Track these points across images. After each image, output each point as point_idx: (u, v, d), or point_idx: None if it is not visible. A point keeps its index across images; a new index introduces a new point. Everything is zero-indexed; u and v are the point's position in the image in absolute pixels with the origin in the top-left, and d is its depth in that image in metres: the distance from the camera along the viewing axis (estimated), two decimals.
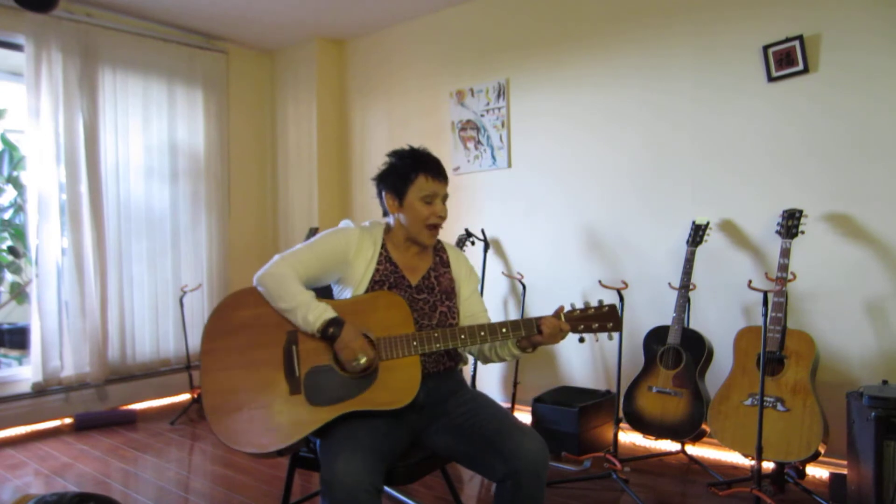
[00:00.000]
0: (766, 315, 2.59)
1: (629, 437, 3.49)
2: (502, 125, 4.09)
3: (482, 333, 1.86)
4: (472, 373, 3.79)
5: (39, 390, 3.93)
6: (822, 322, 2.99)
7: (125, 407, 4.29)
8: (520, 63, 4.02)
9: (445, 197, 2.02)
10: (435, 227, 1.98)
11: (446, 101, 4.37)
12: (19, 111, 4.58)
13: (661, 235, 3.47)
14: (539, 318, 1.87)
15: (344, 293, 1.99)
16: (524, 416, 3.67)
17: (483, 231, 3.97)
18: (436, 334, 1.85)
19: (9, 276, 5.02)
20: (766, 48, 3.09)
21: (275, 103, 5.26)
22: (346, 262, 1.95)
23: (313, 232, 4.48)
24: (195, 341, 4.38)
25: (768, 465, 2.70)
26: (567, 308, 1.92)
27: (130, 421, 4.09)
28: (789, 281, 2.81)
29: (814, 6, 3.00)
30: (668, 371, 3.08)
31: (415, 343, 1.83)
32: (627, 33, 3.58)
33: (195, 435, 3.83)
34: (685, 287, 3.09)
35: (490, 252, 4.07)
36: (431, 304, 1.99)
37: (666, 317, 3.20)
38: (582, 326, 1.90)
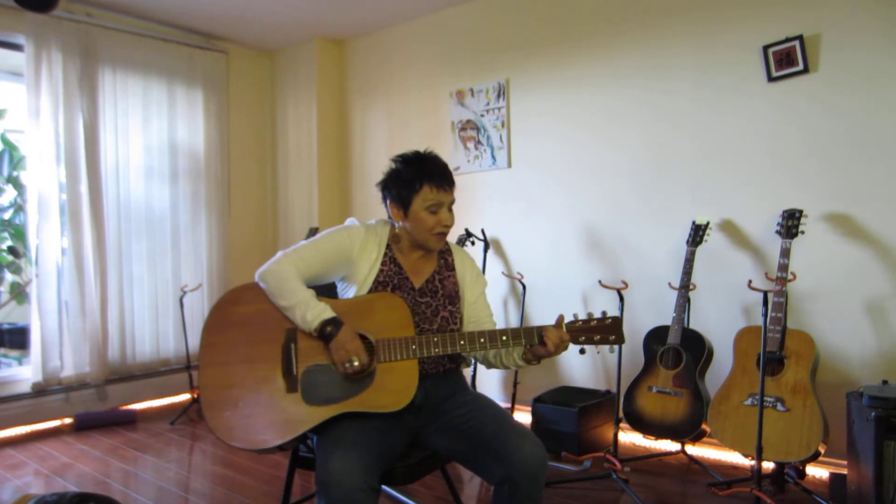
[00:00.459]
0: (766, 315, 2.59)
1: (629, 437, 3.49)
2: (502, 125, 4.09)
3: (482, 340, 1.83)
4: (472, 373, 3.79)
5: (39, 390, 3.93)
6: (822, 322, 2.99)
7: (125, 407, 4.29)
8: (520, 63, 4.02)
9: (452, 203, 1.96)
10: (442, 235, 1.95)
11: (446, 101, 4.37)
12: (19, 111, 4.57)
13: (661, 235, 3.47)
14: (541, 328, 1.82)
15: (347, 292, 1.98)
16: (524, 416, 3.67)
17: (483, 231, 3.97)
18: (435, 339, 1.83)
19: (9, 276, 5.02)
20: (766, 48, 3.09)
21: (275, 103, 5.26)
22: (350, 261, 1.94)
23: (313, 232, 4.48)
24: (195, 341, 4.37)
25: (768, 465, 2.70)
26: (569, 318, 1.87)
27: (130, 421, 4.09)
28: (789, 281, 2.81)
29: (814, 6, 3.00)
30: (668, 371, 3.08)
31: (413, 347, 1.81)
32: (627, 33, 3.58)
33: (195, 435, 3.83)
34: (685, 287, 3.09)
35: (490, 252, 4.07)
36: (434, 308, 1.97)
37: (666, 317, 3.20)
38: (583, 338, 1.85)
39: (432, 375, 1.93)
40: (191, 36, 4.72)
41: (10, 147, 4.99)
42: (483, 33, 4.20)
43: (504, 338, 1.83)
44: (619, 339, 1.85)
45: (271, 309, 1.87)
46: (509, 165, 4.09)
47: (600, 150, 3.70)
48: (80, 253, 4.07)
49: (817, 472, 2.92)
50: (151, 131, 4.48)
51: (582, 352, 1.89)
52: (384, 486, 1.86)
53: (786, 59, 3.05)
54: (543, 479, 1.74)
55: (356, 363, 1.77)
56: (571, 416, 3.17)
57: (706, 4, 3.31)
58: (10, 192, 5.02)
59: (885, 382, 2.51)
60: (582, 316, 1.88)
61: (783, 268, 2.78)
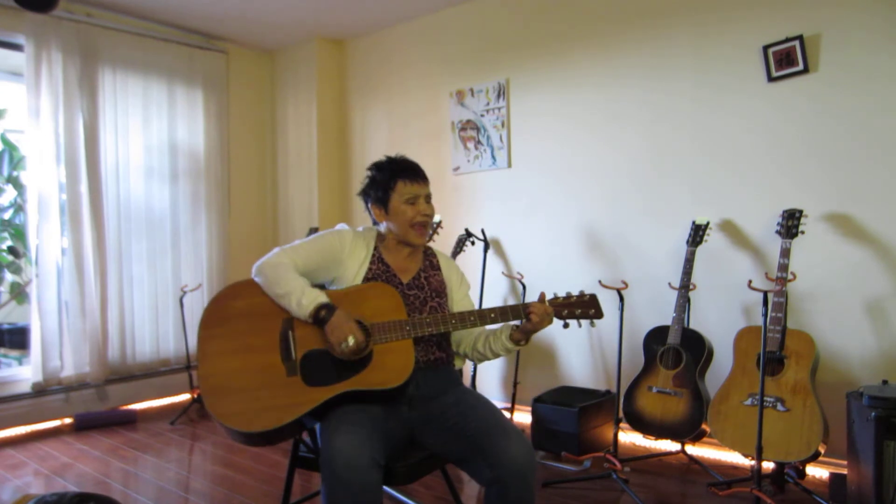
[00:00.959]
0: (766, 315, 2.58)
1: (629, 437, 3.49)
2: (502, 125, 4.09)
3: (472, 318, 1.93)
4: (472, 373, 3.80)
5: (39, 390, 3.93)
6: (822, 322, 2.99)
7: (125, 407, 4.29)
8: (520, 63, 4.02)
9: (429, 196, 2.08)
10: (423, 226, 2.04)
11: (446, 101, 4.37)
12: (19, 111, 4.58)
13: (661, 235, 3.47)
14: (526, 304, 1.94)
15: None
16: (524, 416, 3.67)
17: (483, 231, 3.97)
18: (427, 319, 1.92)
19: (9, 276, 5.03)
20: (766, 48, 3.09)
21: (275, 103, 5.26)
22: (339, 261, 2.02)
23: (313, 232, 4.48)
24: (195, 341, 4.37)
25: (768, 465, 2.70)
26: (550, 296, 1.99)
27: (130, 421, 4.09)
28: (789, 281, 2.81)
29: (814, 6, 3.00)
30: (668, 371, 3.08)
31: (407, 328, 1.89)
32: (627, 33, 3.58)
33: (195, 435, 3.83)
34: (685, 287, 3.09)
35: (490, 252, 4.07)
36: (422, 299, 2.05)
37: (666, 317, 3.20)
38: (566, 312, 1.98)
39: (423, 367, 1.98)
40: (191, 36, 4.72)
41: (10, 147, 4.99)
42: (483, 33, 4.20)
43: (493, 315, 1.94)
44: (598, 314, 1.99)
45: (267, 302, 1.92)
46: (509, 165, 4.09)
47: (600, 150, 3.70)
48: (80, 253, 4.07)
49: (817, 472, 2.92)
50: (151, 131, 4.48)
51: (566, 326, 1.99)
52: (385, 487, 1.86)
53: (786, 59, 3.05)
54: (532, 478, 1.75)
55: (352, 342, 1.82)
56: (571, 416, 3.17)
57: (706, 4, 3.31)
58: (10, 192, 5.03)
59: (885, 382, 2.51)
60: (563, 294, 2.01)
61: (783, 268, 2.78)
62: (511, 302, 4.08)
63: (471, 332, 2.11)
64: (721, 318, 3.26)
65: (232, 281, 5.13)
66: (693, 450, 3.23)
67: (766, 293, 2.61)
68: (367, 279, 2.01)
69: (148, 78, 4.45)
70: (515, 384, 3.75)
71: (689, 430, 2.97)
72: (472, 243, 3.96)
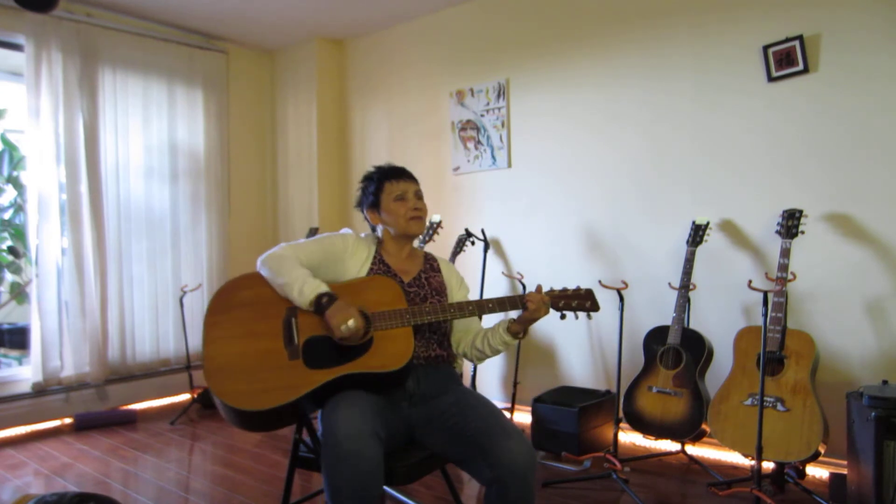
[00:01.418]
0: (766, 315, 2.58)
1: (629, 437, 3.49)
2: (502, 125, 4.09)
3: (470, 307, 1.98)
4: (472, 373, 3.80)
5: (39, 390, 3.93)
6: (822, 322, 2.99)
7: (125, 407, 4.29)
8: (520, 63, 4.02)
9: (418, 192, 2.14)
10: (417, 218, 2.10)
11: (446, 101, 4.37)
12: (19, 111, 4.57)
13: (661, 235, 3.47)
14: (523, 295, 1.99)
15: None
16: (524, 416, 3.67)
17: (483, 231, 3.97)
18: (427, 308, 1.96)
19: (9, 276, 5.02)
20: (766, 48, 3.09)
21: (275, 103, 5.26)
22: (341, 261, 2.07)
23: (313, 232, 4.48)
24: (195, 341, 4.37)
25: (768, 465, 2.70)
26: (546, 289, 2.05)
27: (130, 421, 4.09)
28: (789, 281, 2.81)
29: (814, 6, 3.00)
30: (668, 371, 3.08)
31: (407, 316, 1.93)
32: (627, 33, 3.58)
33: (195, 435, 3.83)
34: (685, 287, 3.09)
35: (490, 252, 4.07)
36: (422, 296, 2.09)
37: (666, 317, 3.20)
38: (562, 303, 2.03)
39: (424, 363, 2.01)
40: (191, 36, 4.72)
41: (10, 147, 4.99)
42: (483, 33, 4.20)
43: (491, 304, 1.99)
44: (594, 307, 2.04)
45: (272, 292, 1.97)
46: (509, 165, 4.09)
47: (600, 150, 3.70)
48: (80, 253, 4.07)
49: (817, 472, 2.92)
50: (151, 131, 4.48)
51: (562, 317, 2.03)
52: (385, 487, 1.86)
53: (786, 59, 3.05)
54: (532, 478, 1.75)
55: (352, 323, 1.85)
56: (571, 416, 3.17)
57: (706, 4, 3.31)
58: (10, 192, 5.03)
59: (885, 382, 2.51)
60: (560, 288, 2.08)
61: (783, 268, 2.78)
62: None
63: (469, 331, 2.14)
64: (721, 318, 3.26)
65: None
66: (693, 450, 3.23)
67: (766, 293, 2.61)
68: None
69: (148, 78, 4.45)
70: (515, 384, 3.75)
71: (689, 430, 2.97)
72: (472, 243, 3.96)
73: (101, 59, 4.21)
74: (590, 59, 3.73)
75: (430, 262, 2.21)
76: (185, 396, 4.46)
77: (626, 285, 3.20)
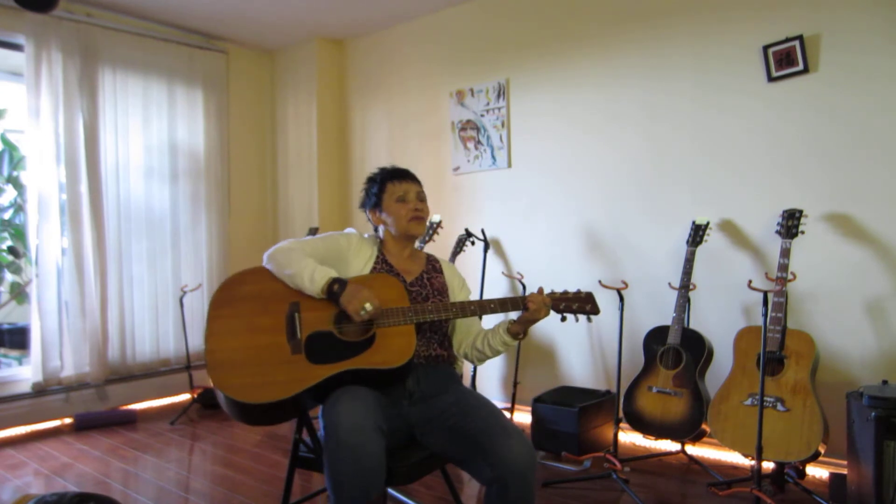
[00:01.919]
0: (766, 315, 2.58)
1: (629, 437, 3.49)
2: (502, 125, 4.09)
3: (472, 307, 2.00)
4: (472, 373, 3.80)
5: (39, 390, 3.93)
6: (822, 322, 2.99)
7: (125, 407, 4.29)
8: (520, 63, 4.02)
9: (420, 194, 2.16)
10: (418, 219, 2.12)
11: (446, 101, 4.37)
12: (19, 111, 4.57)
13: (661, 235, 3.47)
14: (524, 296, 2.01)
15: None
16: (524, 416, 3.67)
17: (483, 231, 3.97)
18: (429, 306, 1.99)
19: (9, 276, 5.02)
20: (766, 48, 3.09)
21: (275, 103, 5.26)
22: (344, 259, 2.08)
23: (313, 232, 4.48)
24: (195, 341, 4.38)
25: (768, 465, 2.70)
26: (548, 292, 2.06)
27: (130, 421, 4.09)
28: (789, 281, 2.81)
29: (814, 6, 3.00)
30: (668, 371, 3.08)
31: (410, 313, 1.94)
32: (627, 33, 3.58)
33: (195, 435, 3.83)
34: (685, 287, 3.09)
35: (490, 252, 4.07)
36: (424, 295, 2.11)
37: (666, 317, 3.20)
38: (563, 305, 2.04)
39: (424, 362, 2.02)
40: (191, 36, 4.72)
41: (10, 147, 4.99)
42: (483, 33, 4.20)
43: (492, 305, 2.01)
44: (594, 310, 2.05)
45: (276, 287, 1.98)
46: (509, 165, 4.09)
47: (600, 150, 3.70)
48: (80, 253, 4.07)
49: (817, 472, 2.92)
50: (151, 131, 4.48)
51: (563, 319, 2.05)
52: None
53: (786, 59, 3.05)
54: (533, 477, 1.75)
55: (370, 307, 1.88)
56: (571, 416, 3.17)
57: (706, 4, 3.31)
58: (10, 192, 5.03)
59: (885, 382, 2.51)
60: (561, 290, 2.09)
61: (783, 268, 2.78)
62: None
63: (470, 332, 2.15)
64: (721, 318, 3.26)
65: None
66: (693, 450, 3.23)
67: (766, 293, 2.61)
68: None
69: (148, 78, 4.45)
70: (515, 384, 3.75)
71: (689, 430, 2.97)
72: (472, 243, 3.96)
73: (101, 59, 4.21)
74: (590, 59, 3.73)
75: (433, 263, 2.22)
76: (185, 396, 4.46)
77: (626, 285, 3.20)
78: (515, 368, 3.80)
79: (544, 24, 3.92)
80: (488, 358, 2.12)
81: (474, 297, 2.40)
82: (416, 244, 2.35)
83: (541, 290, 2.04)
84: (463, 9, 4.29)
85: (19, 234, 4.90)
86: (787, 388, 2.70)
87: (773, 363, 2.76)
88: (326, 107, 4.99)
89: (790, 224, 2.84)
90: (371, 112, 4.87)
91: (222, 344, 1.89)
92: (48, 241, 3.95)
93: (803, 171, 3.06)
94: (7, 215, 5.03)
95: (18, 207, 4.99)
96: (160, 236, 4.52)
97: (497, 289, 4.10)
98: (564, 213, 3.85)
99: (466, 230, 3.97)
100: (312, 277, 1.92)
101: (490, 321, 2.12)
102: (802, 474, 2.76)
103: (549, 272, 3.88)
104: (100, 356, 4.13)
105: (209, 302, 1.97)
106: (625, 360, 3.14)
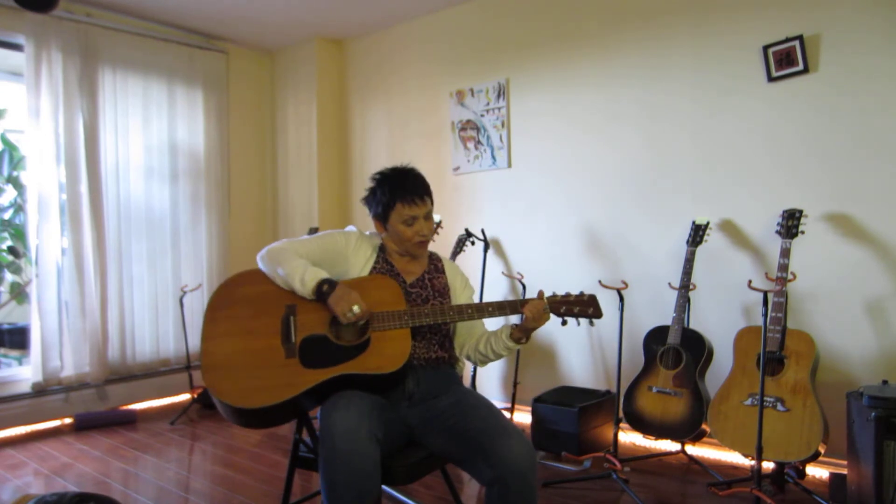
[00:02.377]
0: (766, 315, 2.58)
1: (629, 437, 3.49)
2: (502, 125, 4.09)
3: (469, 311, 1.98)
4: (471, 373, 3.80)
5: (39, 390, 3.93)
6: (822, 322, 2.99)
7: (125, 407, 4.29)
8: (520, 63, 4.02)
9: (428, 214, 2.08)
10: (422, 244, 2.08)
11: (446, 101, 4.37)
12: (19, 111, 4.57)
13: (661, 235, 3.47)
14: (523, 300, 2.00)
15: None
16: (524, 416, 3.67)
17: (483, 231, 3.97)
18: (426, 310, 1.97)
19: (9, 276, 5.02)
20: (766, 48, 3.09)
21: (275, 103, 5.26)
22: (344, 257, 2.06)
23: (313, 231, 4.47)
24: (195, 341, 4.37)
25: (768, 465, 2.70)
26: (549, 294, 2.04)
27: (130, 421, 4.09)
28: (789, 281, 2.81)
29: (814, 6, 3.00)
30: (668, 371, 3.08)
31: (406, 317, 1.93)
32: (627, 33, 3.58)
33: (195, 435, 3.83)
34: (685, 287, 3.09)
35: (490, 252, 4.07)
36: (424, 297, 2.09)
37: (666, 317, 3.20)
38: (564, 309, 2.02)
39: (424, 364, 2.01)
40: (191, 36, 4.72)
41: (10, 147, 4.98)
42: (483, 33, 4.20)
43: (490, 309, 1.99)
44: (597, 313, 2.02)
45: (272, 289, 1.98)
46: (509, 165, 4.09)
47: (600, 150, 3.70)
48: (80, 253, 4.07)
49: (817, 472, 2.92)
50: (151, 131, 4.48)
51: (564, 323, 2.02)
52: (385, 487, 1.86)
53: (786, 59, 3.05)
54: (534, 477, 1.75)
55: (357, 309, 1.87)
56: (571, 416, 3.17)
57: (706, 4, 3.31)
58: (10, 192, 5.02)
59: (885, 382, 2.51)
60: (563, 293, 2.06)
61: (783, 268, 2.78)
62: None
63: (473, 334, 2.14)
64: (721, 318, 3.26)
65: None
66: (693, 450, 3.23)
67: (766, 293, 2.61)
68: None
69: (148, 78, 4.45)
70: (515, 384, 3.75)
71: (689, 430, 2.97)
72: (472, 243, 3.96)
73: (101, 59, 4.21)
74: (590, 59, 3.73)
75: (435, 263, 2.20)
76: (185, 396, 4.46)
77: (626, 285, 3.20)
78: (515, 368, 3.80)
79: (544, 24, 3.92)
80: (491, 360, 2.11)
81: (475, 297, 2.39)
82: None
83: (541, 295, 2.01)
84: (463, 9, 4.29)
85: (19, 234, 4.90)
86: (787, 388, 2.70)
87: (773, 363, 2.76)
88: (326, 107, 4.99)
89: (790, 224, 2.84)
90: (371, 112, 4.87)
91: (217, 347, 1.90)
92: (48, 241, 3.95)
93: (803, 171, 3.06)
94: (7, 215, 5.03)
95: (18, 207, 4.99)
96: (160, 236, 4.52)
97: (497, 289, 4.10)
98: (564, 213, 3.85)
99: (466, 230, 3.97)
100: (303, 279, 1.91)
101: (493, 321, 2.11)
102: (802, 474, 2.76)
103: (549, 272, 3.88)
104: (100, 356, 4.13)
105: (207, 304, 1.97)
106: (625, 360, 3.14)
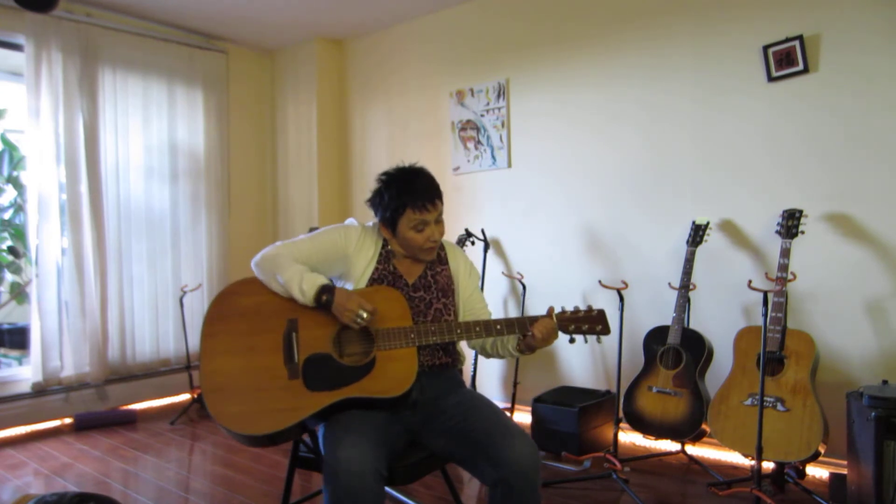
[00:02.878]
0: (766, 315, 2.58)
1: (629, 437, 3.49)
2: (502, 125, 4.09)
3: (477, 329, 1.92)
4: (471, 372, 3.80)
5: (39, 390, 3.93)
6: (822, 322, 2.99)
7: (125, 407, 4.29)
8: (520, 63, 4.02)
9: (439, 217, 2.01)
10: (431, 249, 2.02)
11: (446, 101, 4.37)
12: (19, 111, 4.57)
13: (661, 235, 3.47)
14: (533, 319, 1.92)
15: (345, 287, 2.01)
16: (524, 416, 3.67)
17: (483, 231, 3.97)
18: (433, 328, 1.91)
19: (9, 276, 5.02)
20: (766, 48, 3.09)
21: (275, 103, 5.26)
22: (346, 256, 2.00)
23: (313, 231, 4.47)
24: (195, 341, 4.37)
25: (768, 465, 2.70)
26: (558, 310, 1.97)
27: (130, 421, 4.09)
28: (789, 281, 2.81)
29: (814, 6, 3.00)
30: (668, 371, 3.08)
31: (412, 335, 1.88)
32: (627, 33, 3.58)
33: (195, 435, 3.83)
34: (685, 287, 3.09)
35: (490, 252, 4.07)
36: (427, 301, 2.03)
37: (666, 317, 3.20)
38: (572, 327, 1.95)
39: (428, 371, 1.98)
40: (191, 36, 4.72)
41: (10, 147, 4.98)
42: (483, 33, 4.20)
43: (498, 327, 1.92)
44: (605, 330, 1.96)
45: (272, 300, 1.91)
46: (509, 165, 4.09)
47: (600, 150, 3.70)
48: (80, 253, 4.07)
49: (817, 472, 2.92)
50: (151, 131, 4.47)
51: (572, 341, 1.95)
52: (385, 487, 1.86)
53: (786, 59, 3.05)
54: (537, 477, 1.74)
55: (365, 315, 1.83)
56: (571, 416, 3.17)
57: (706, 4, 3.31)
58: (10, 192, 5.02)
59: (885, 382, 2.51)
60: (571, 308, 1.99)
61: (783, 268, 2.78)
62: (510, 302, 4.08)
63: (473, 313, 2.13)
64: (721, 318, 3.26)
65: (231, 280, 5.13)
66: (693, 450, 3.23)
67: (766, 293, 2.61)
68: (372, 279, 2.00)
69: (148, 78, 4.45)
70: (515, 384, 3.75)
71: (689, 430, 2.97)
72: (472, 243, 3.96)
73: (101, 59, 4.21)
74: (590, 59, 3.73)
75: (438, 253, 2.13)
76: (185, 396, 4.46)
77: (626, 285, 3.20)
78: (515, 368, 3.80)
79: (544, 24, 3.92)
80: (493, 357, 2.13)
81: None
82: None
83: (550, 311, 1.95)
84: (463, 9, 4.29)
85: (19, 234, 4.90)
86: (787, 388, 2.70)
87: (773, 363, 2.76)
88: (326, 107, 4.99)
89: (790, 224, 2.84)
90: (371, 112, 4.87)
91: (217, 366, 1.83)
92: (48, 241, 3.95)
93: (803, 171, 3.06)
94: (7, 215, 5.03)
95: (18, 207, 4.99)
96: (160, 236, 4.52)
97: (497, 288, 4.10)
98: (564, 213, 3.85)
99: (466, 230, 3.97)
100: (301, 288, 1.85)
101: (495, 308, 2.11)
102: (802, 474, 2.76)
103: (549, 272, 3.88)
104: (100, 356, 4.13)
105: (205, 316, 1.89)
106: (625, 360, 3.14)
